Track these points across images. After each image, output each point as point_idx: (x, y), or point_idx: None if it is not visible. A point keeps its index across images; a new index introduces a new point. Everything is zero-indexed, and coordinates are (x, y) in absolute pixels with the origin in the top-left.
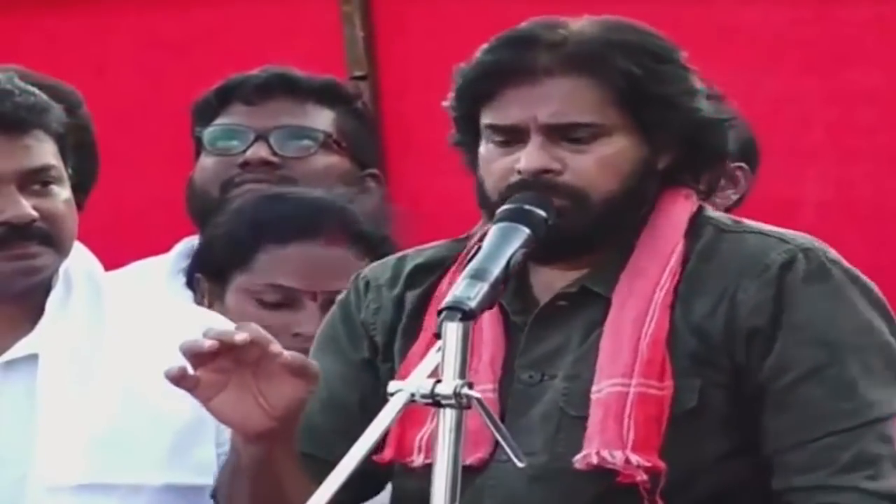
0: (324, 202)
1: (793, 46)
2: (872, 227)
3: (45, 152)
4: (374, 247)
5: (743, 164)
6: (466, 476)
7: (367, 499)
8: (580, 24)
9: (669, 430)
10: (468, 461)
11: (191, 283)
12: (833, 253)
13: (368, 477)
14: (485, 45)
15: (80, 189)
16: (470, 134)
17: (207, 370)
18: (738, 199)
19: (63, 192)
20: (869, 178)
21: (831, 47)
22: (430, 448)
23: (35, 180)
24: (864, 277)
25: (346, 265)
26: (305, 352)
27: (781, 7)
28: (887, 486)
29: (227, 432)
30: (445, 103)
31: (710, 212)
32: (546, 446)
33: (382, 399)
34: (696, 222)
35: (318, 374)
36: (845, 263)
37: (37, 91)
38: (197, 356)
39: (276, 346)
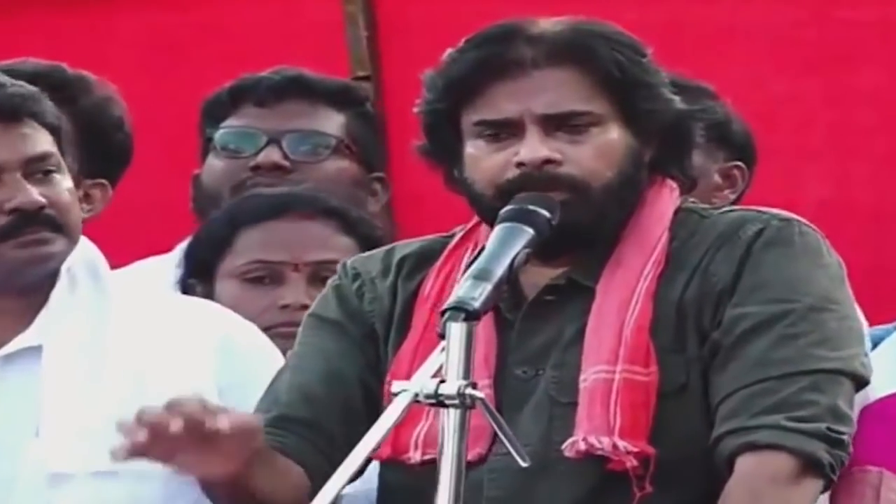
0: (293, 189)
1: (794, 47)
2: (872, 228)
3: (44, 141)
4: (351, 224)
5: (740, 164)
6: (466, 472)
7: (351, 481)
8: (550, 21)
9: (662, 410)
10: (468, 457)
11: (185, 294)
12: (811, 229)
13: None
14: (459, 46)
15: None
16: (447, 136)
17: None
18: (735, 199)
19: (65, 181)
20: (869, 178)
21: (832, 48)
22: (426, 445)
23: (37, 169)
24: (834, 255)
25: (325, 236)
26: (295, 324)
27: (782, 8)
28: (812, 427)
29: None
30: (416, 109)
31: (692, 204)
32: (542, 436)
33: (380, 379)
34: (679, 214)
35: (260, 430)
36: (817, 238)
37: (27, 84)
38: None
39: (210, 423)
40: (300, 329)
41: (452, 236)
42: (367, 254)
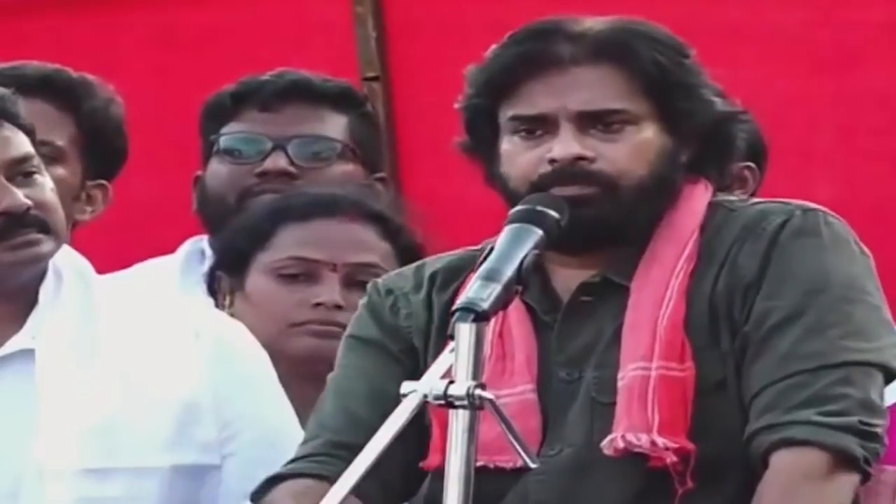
0: (340, 190)
1: (803, 48)
2: (882, 229)
3: (23, 142)
4: (392, 231)
5: (751, 164)
6: (512, 477)
7: (409, 498)
8: (594, 20)
9: (702, 407)
10: (518, 464)
11: (211, 288)
12: (836, 219)
13: (412, 477)
14: (501, 42)
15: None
16: (486, 132)
17: None
18: None
19: (47, 182)
20: (878, 179)
21: (841, 49)
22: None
23: (19, 171)
24: (861, 246)
25: (366, 240)
26: (327, 322)
27: (791, 9)
28: (844, 421)
29: (230, 414)
30: (458, 104)
31: (719, 198)
32: (585, 437)
33: None
34: (709, 209)
35: None
36: (844, 227)
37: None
38: None
39: None
40: (339, 351)
41: (481, 250)
42: (396, 271)
